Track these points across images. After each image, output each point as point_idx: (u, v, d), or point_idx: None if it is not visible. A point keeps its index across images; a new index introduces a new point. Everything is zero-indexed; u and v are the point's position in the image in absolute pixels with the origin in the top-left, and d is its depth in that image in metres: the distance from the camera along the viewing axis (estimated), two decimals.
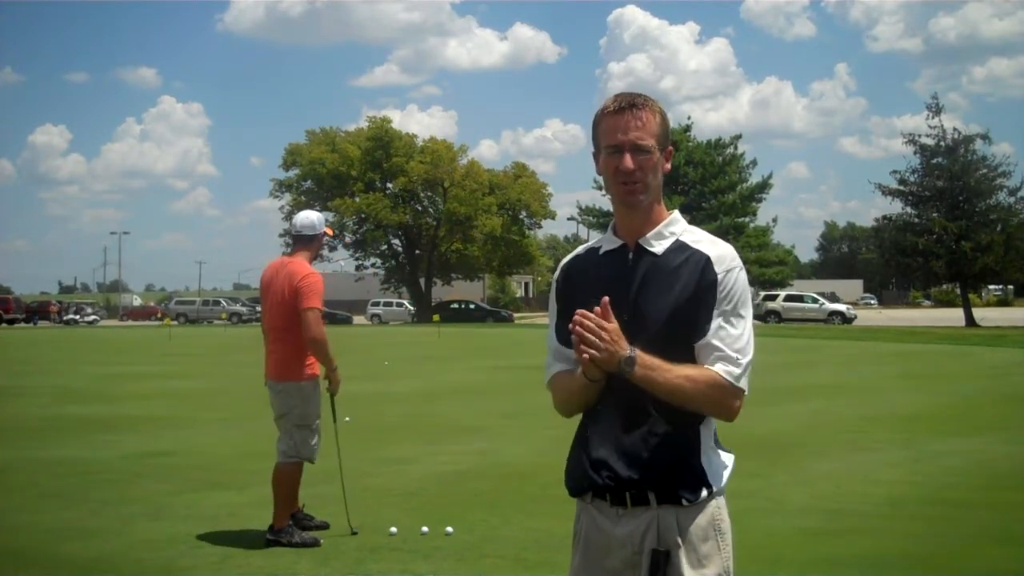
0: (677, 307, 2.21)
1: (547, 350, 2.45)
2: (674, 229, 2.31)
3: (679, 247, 2.28)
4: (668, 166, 2.31)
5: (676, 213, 2.35)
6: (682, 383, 2.17)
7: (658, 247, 2.28)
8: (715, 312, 2.21)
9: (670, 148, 2.32)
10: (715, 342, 2.20)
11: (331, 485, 6.35)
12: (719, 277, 2.23)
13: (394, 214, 61.28)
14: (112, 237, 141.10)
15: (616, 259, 2.32)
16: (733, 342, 2.21)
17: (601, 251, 2.37)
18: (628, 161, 2.23)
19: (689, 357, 2.22)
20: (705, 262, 2.24)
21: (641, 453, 2.21)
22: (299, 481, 5.81)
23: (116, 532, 6.01)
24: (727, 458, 2.31)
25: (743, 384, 2.21)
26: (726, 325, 2.21)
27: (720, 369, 2.19)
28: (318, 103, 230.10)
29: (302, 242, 6.05)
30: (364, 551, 5.47)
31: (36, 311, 66.75)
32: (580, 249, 2.47)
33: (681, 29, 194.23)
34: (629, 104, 2.26)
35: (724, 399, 2.20)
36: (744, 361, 2.21)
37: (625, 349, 2.14)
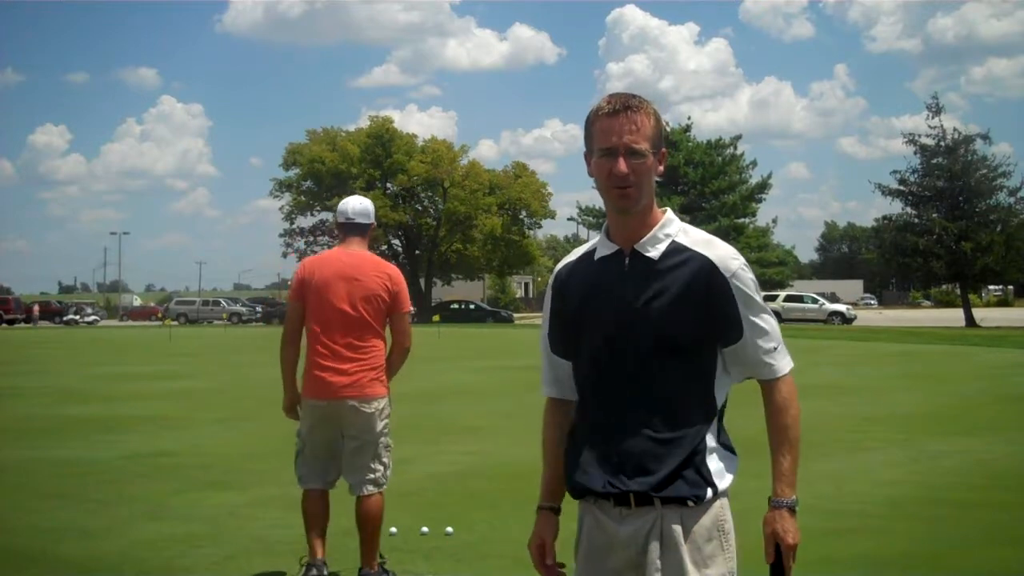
0: (678, 313, 2.20)
1: (541, 355, 2.48)
2: (669, 231, 2.29)
3: (675, 249, 2.26)
4: (662, 168, 2.28)
5: (669, 212, 2.33)
6: (797, 426, 2.29)
7: (654, 251, 2.26)
8: (742, 312, 2.24)
9: (664, 150, 2.29)
10: (758, 341, 2.27)
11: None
12: (730, 280, 2.23)
13: (394, 214, 61.26)
14: (112, 237, 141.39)
15: (612, 265, 2.29)
16: (770, 335, 2.29)
17: (596, 256, 2.34)
18: (622, 165, 2.20)
19: (687, 362, 2.22)
20: (710, 267, 2.22)
21: (645, 460, 2.20)
22: None
23: (116, 532, 6.01)
24: (732, 459, 2.30)
25: (790, 365, 2.33)
26: (757, 320, 2.26)
27: (776, 365, 2.29)
28: (318, 103, 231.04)
29: (356, 231, 4.90)
30: None
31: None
32: (574, 254, 2.43)
33: (680, 29, 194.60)
34: (624, 106, 2.22)
35: (794, 390, 2.31)
36: (783, 347, 2.33)
37: (787, 522, 2.23)
